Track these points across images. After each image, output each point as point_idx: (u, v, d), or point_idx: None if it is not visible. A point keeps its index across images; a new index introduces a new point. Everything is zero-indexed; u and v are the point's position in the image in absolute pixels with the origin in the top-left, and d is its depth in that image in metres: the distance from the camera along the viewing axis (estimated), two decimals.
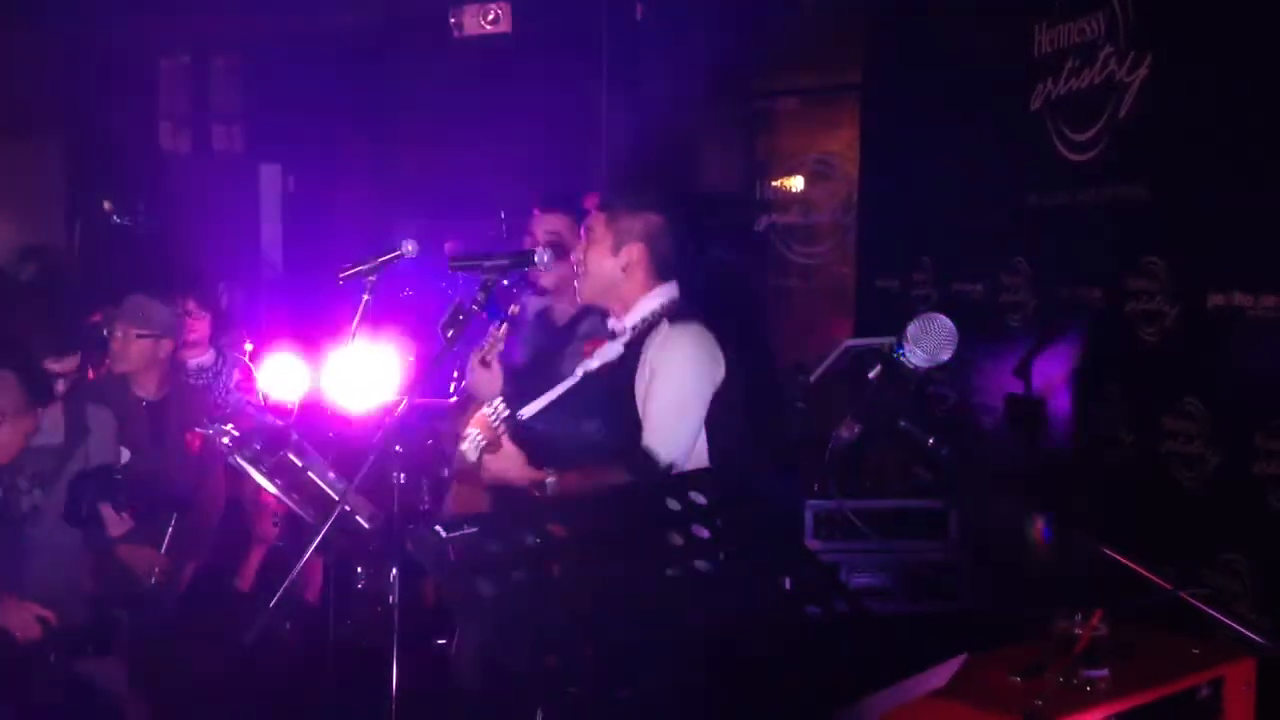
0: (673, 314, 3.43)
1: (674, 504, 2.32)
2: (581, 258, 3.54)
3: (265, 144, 9.13)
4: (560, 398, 3.52)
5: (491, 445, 3.36)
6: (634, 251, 3.47)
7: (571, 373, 3.92)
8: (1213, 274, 3.61)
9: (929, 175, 5.27)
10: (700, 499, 2.34)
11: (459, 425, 3.58)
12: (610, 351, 3.49)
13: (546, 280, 4.09)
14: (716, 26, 6.97)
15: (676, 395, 3.30)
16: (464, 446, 3.42)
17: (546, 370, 3.94)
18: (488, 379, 3.89)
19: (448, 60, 7.83)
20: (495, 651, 2.01)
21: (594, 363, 3.52)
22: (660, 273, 3.50)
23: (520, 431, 3.44)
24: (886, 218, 5.86)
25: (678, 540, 2.28)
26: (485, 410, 3.42)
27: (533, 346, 4.16)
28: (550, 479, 3.28)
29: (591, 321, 4.08)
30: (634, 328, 3.46)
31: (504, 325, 3.98)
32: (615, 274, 3.49)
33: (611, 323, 3.58)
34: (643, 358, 3.38)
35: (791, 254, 7.27)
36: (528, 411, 3.48)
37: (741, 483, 2.76)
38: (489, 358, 3.92)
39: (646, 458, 3.24)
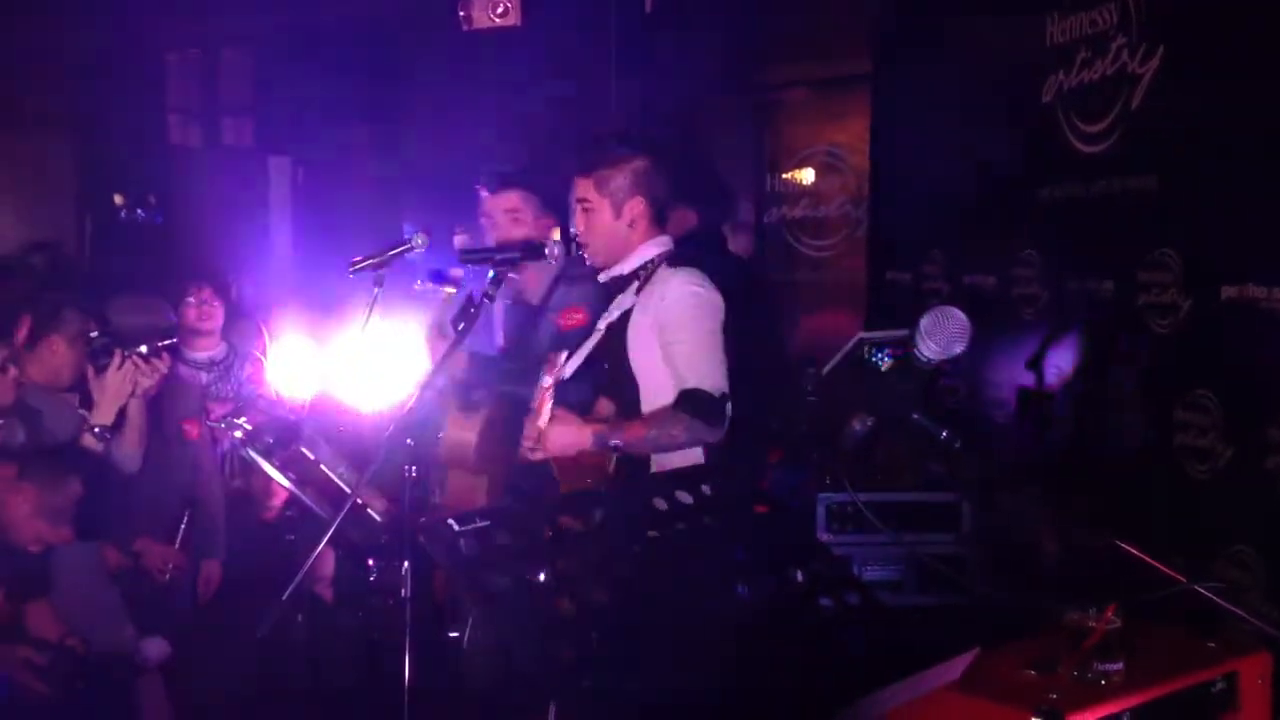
0: (672, 261, 3.46)
1: (661, 503, 2.32)
2: (583, 228, 3.54)
3: (275, 137, 9.12)
4: (591, 352, 3.53)
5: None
6: (636, 206, 3.50)
7: (550, 344, 3.93)
8: (1226, 266, 3.60)
9: (940, 167, 5.25)
10: (687, 498, 2.34)
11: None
12: (625, 301, 3.51)
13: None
14: (726, 18, 6.95)
15: (701, 333, 3.36)
16: (540, 423, 3.37)
17: (526, 350, 3.95)
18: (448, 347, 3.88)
19: (457, 53, 7.82)
20: (508, 645, 2.01)
21: (615, 313, 3.53)
22: (658, 218, 3.53)
23: (564, 393, 3.44)
24: (897, 210, 5.85)
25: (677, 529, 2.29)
26: (544, 381, 3.41)
27: (515, 329, 4.14)
28: (610, 435, 3.28)
29: (559, 295, 4.09)
30: (636, 274, 3.48)
31: (449, 286, 3.98)
32: (623, 232, 3.52)
33: (604, 275, 3.59)
34: (639, 304, 3.43)
35: (801, 247, 7.25)
36: (569, 370, 3.49)
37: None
38: (443, 322, 3.92)
39: (703, 396, 3.28)
